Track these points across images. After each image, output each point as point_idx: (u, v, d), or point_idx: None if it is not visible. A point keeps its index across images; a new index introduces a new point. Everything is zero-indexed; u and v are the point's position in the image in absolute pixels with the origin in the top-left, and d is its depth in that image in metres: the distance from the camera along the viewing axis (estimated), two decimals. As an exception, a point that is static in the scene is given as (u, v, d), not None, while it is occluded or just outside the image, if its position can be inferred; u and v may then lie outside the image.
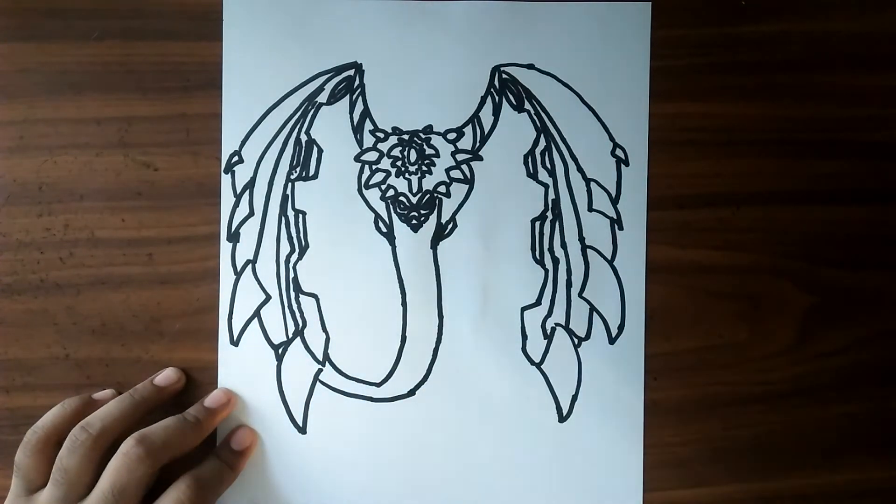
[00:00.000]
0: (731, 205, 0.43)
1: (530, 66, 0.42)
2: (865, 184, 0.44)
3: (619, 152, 0.42)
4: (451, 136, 0.42)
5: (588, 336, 0.42)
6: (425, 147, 0.42)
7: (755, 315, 0.43)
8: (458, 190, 0.42)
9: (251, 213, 0.41)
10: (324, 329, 0.41)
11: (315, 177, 0.42)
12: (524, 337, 0.42)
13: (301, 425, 0.41)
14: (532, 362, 0.42)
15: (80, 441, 0.36)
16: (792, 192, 0.43)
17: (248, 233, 0.41)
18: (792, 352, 0.43)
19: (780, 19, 0.43)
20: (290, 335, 0.41)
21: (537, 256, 0.42)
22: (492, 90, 0.42)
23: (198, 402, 0.40)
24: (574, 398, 0.42)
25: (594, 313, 0.42)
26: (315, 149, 0.42)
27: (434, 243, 0.42)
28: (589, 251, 0.42)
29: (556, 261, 0.42)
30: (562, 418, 0.42)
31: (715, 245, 0.43)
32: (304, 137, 0.41)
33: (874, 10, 0.44)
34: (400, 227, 0.42)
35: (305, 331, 0.41)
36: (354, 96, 0.42)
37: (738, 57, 0.43)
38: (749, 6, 0.43)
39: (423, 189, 0.42)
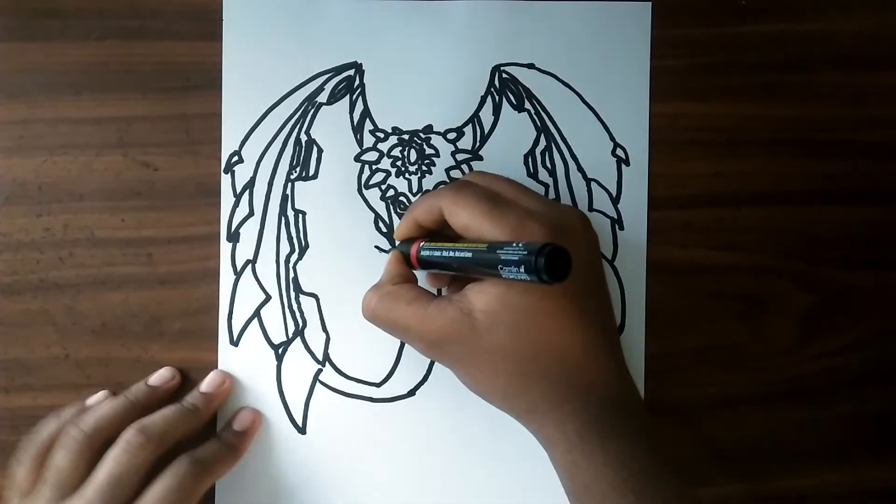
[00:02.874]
0: (731, 205, 0.43)
1: (530, 66, 0.42)
2: (865, 184, 0.44)
3: (619, 152, 0.42)
4: (452, 135, 0.42)
5: (588, 336, 0.42)
6: (425, 147, 0.42)
7: (755, 315, 0.43)
8: (459, 190, 0.42)
9: (251, 213, 0.41)
10: (324, 329, 0.41)
11: (315, 177, 0.42)
12: (524, 337, 0.42)
13: (301, 425, 0.41)
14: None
15: (73, 439, 0.36)
16: (792, 192, 0.43)
17: (248, 233, 0.41)
18: (792, 352, 0.43)
19: (780, 19, 0.43)
20: (290, 335, 0.41)
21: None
22: (492, 90, 0.42)
23: (194, 389, 0.40)
24: (574, 398, 0.42)
25: (594, 313, 0.42)
26: (315, 149, 0.42)
27: (434, 243, 0.42)
28: (589, 251, 0.42)
29: (556, 261, 0.42)
30: (562, 418, 0.42)
31: (715, 245, 0.43)
32: (304, 137, 0.41)
33: (874, 10, 0.44)
34: (400, 227, 0.41)
35: (305, 331, 0.41)
36: (354, 96, 0.42)
37: (738, 57, 0.43)
38: (749, 6, 0.43)
39: (424, 189, 0.42)
